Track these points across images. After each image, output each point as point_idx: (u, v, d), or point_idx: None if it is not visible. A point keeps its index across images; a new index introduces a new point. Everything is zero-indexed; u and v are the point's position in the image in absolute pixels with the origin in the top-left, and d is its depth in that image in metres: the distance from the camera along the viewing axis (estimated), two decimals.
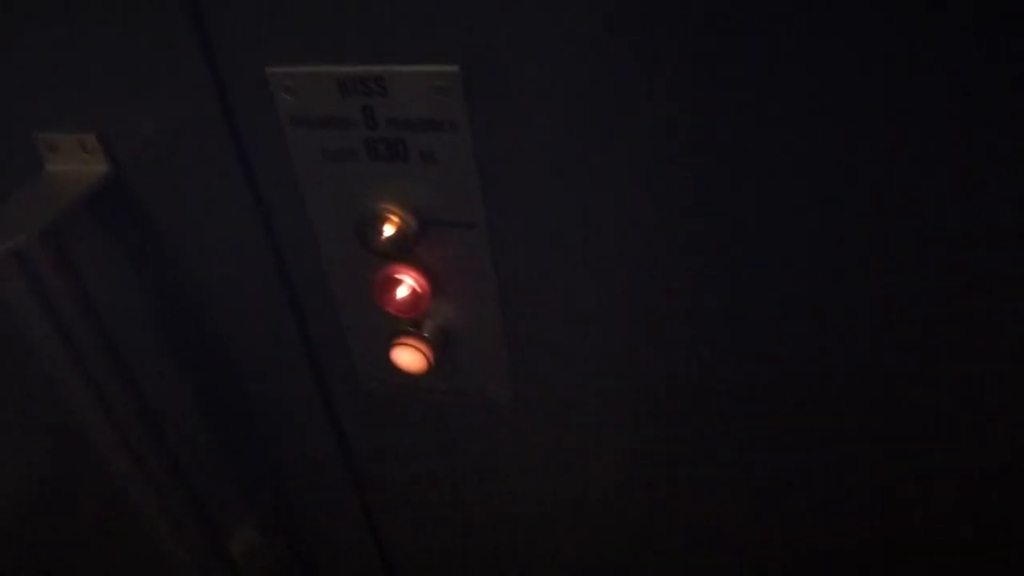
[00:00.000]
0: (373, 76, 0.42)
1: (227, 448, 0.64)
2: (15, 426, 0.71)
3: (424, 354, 0.50)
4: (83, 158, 0.49)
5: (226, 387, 0.59)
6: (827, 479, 0.50)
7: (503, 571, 0.64)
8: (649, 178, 0.41)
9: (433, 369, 0.51)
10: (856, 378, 0.45)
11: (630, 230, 0.44)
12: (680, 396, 0.49)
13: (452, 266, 0.48)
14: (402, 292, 0.49)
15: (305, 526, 0.67)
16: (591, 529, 0.59)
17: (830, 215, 0.40)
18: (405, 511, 0.63)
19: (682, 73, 0.38)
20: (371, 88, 0.43)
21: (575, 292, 0.47)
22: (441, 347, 0.51)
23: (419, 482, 0.60)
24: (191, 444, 0.62)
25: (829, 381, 0.46)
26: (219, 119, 0.46)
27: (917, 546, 0.52)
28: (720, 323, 0.45)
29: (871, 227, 0.40)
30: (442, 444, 0.57)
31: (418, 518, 0.63)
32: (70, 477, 0.72)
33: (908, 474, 0.49)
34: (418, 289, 0.48)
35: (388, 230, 0.46)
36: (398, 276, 0.48)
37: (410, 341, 0.50)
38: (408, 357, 0.50)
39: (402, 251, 0.47)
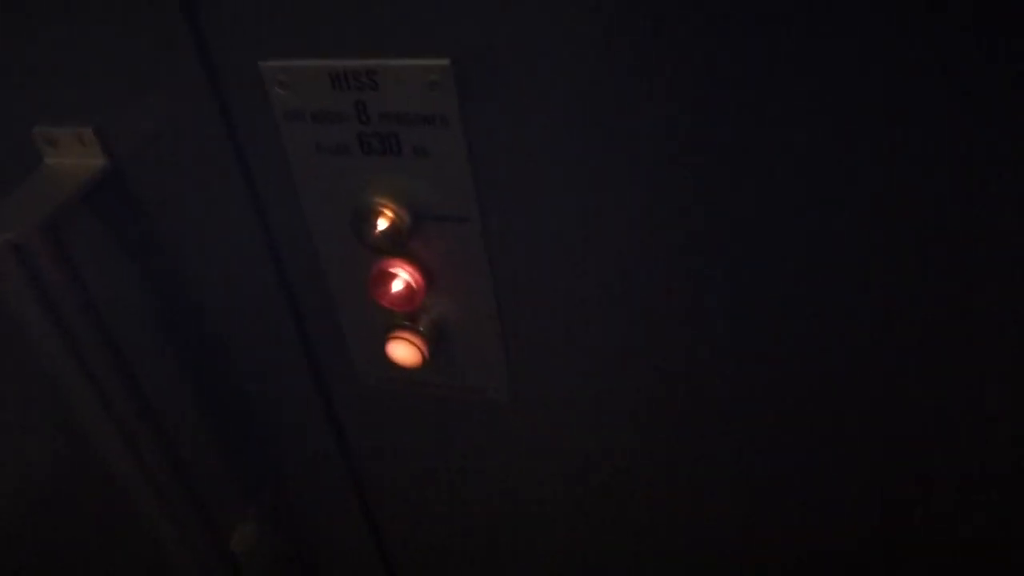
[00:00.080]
0: (365, 70, 0.42)
1: (226, 445, 0.65)
2: (15, 425, 0.72)
3: (419, 348, 0.50)
4: (81, 152, 0.49)
5: (224, 382, 0.60)
6: (827, 479, 0.51)
7: (502, 567, 0.65)
8: (643, 172, 0.41)
9: (428, 363, 0.51)
10: (856, 378, 0.46)
11: (625, 224, 0.44)
12: (678, 393, 0.50)
13: (446, 260, 0.48)
14: (397, 286, 0.49)
15: (305, 523, 0.68)
16: (589, 526, 0.59)
17: (830, 215, 0.40)
18: (404, 507, 0.64)
19: (680, 72, 0.38)
20: (363, 82, 0.43)
21: (570, 287, 0.47)
22: (436, 341, 0.51)
23: (418, 478, 0.61)
24: (190, 440, 0.63)
25: (829, 381, 0.46)
26: (214, 114, 0.46)
27: (917, 546, 0.52)
28: (719, 317, 0.46)
29: (871, 227, 0.40)
30: (440, 440, 0.58)
31: (417, 514, 0.64)
32: (70, 475, 0.73)
33: (908, 474, 0.49)
34: (412, 283, 0.49)
35: (382, 224, 0.46)
36: (392, 270, 0.49)
37: (405, 335, 0.50)
38: (403, 351, 0.51)
39: (396, 245, 0.47)
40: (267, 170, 0.48)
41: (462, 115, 0.42)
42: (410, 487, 0.62)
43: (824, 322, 0.44)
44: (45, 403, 0.67)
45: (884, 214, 0.39)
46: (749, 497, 0.53)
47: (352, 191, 0.47)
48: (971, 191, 0.37)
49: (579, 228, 0.45)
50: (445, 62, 0.41)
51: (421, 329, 0.50)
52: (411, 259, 0.48)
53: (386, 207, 0.46)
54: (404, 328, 0.50)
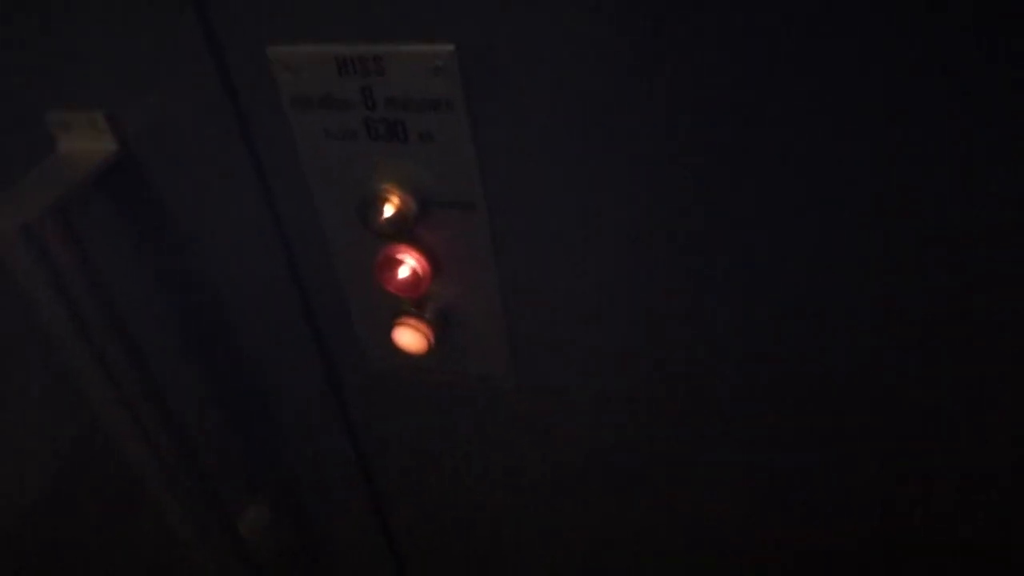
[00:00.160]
0: (371, 55, 0.43)
1: (235, 430, 0.66)
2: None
3: (425, 335, 0.51)
4: (93, 137, 0.50)
5: (232, 367, 0.61)
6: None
7: (506, 552, 0.66)
8: (649, 157, 0.42)
9: (434, 350, 0.52)
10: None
11: (631, 212, 0.44)
12: (682, 380, 0.50)
13: (452, 247, 0.49)
14: (403, 272, 0.50)
15: (312, 507, 0.69)
16: (593, 513, 0.60)
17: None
18: (410, 493, 0.65)
19: (682, 67, 0.38)
20: (369, 68, 0.43)
21: (575, 275, 0.48)
22: (442, 328, 0.52)
23: (424, 464, 0.62)
24: (199, 425, 0.64)
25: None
26: (223, 99, 0.47)
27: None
28: (723, 306, 0.46)
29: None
30: (446, 426, 0.59)
31: (422, 500, 0.65)
32: (80, 458, 0.75)
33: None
34: (418, 270, 0.49)
35: (388, 210, 0.47)
36: (399, 256, 0.49)
37: (411, 322, 0.51)
38: (409, 337, 0.51)
39: (402, 231, 0.48)
40: (275, 156, 0.49)
41: (467, 100, 0.43)
42: (416, 473, 0.63)
43: (824, 322, 0.44)
44: (45, 402, 0.69)
45: (884, 214, 0.39)
46: (751, 489, 0.53)
47: (359, 177, 0.47)
48: (971, 191, 0.38)
49: (585, 215, 0.45)
50: (450, 47, 0.41)
51: (427, 316, 0.51)
52: (417, 245, 0.49)
53: (392, 193, 0.47)
54: (410, 315, 0.51)
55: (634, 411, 0.53)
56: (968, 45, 0.34)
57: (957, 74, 0.35)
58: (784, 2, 0.35)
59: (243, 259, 0.54)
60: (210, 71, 0.46)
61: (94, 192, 0.52)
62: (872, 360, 0.45)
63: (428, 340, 0.52)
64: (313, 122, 0.46)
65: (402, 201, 0.47)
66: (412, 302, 0.51)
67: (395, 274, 0.50)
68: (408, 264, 0.49)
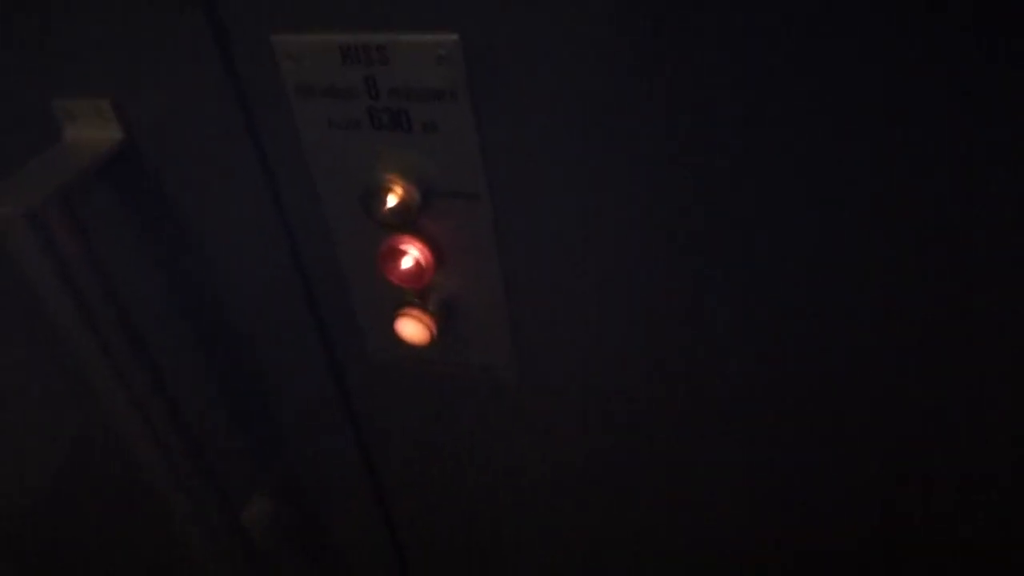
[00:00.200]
0: (375, 44, 0.43)
1: (238, 419, 0.66)
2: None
3: (427, 326, 0.52)
4: (99, 125, 0.51)
5: (236, 356, 0.62)
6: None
7: (507, 542, 0.66)
8: (653, 152, 0.42)
9: (436, 341, 0.52)
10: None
11: (634, 205, 0.44)
12: (682, 375, 0.50)
13: (455, 237, 0.49)
14: (406, 263, 0.50)
15: (315, 497, 0.70)
16: (594, 505, 0.60)
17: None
18: (412, 483, 0.65)
19: (683, 65, 0.38)
20: (373, 57, 0.44)
21: (578, 267, 0.48)
22: (444, 319, 0.52)
23: (426, 455, 0.62)
24: (202, 415, 0.65)
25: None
26: (227, 88, 0.47)
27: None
28: (723, 301, 0.46)
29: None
30: (448, 418, 0.59)
31: (424, 490, 0.65)
32: (81, 453, 0.75)
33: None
34: (421, 260, 0.50)
35: (391, 200, 0.47)
36: (402, 247, 0.50)
37: (414, 312, 0.51)
38: (412, 328, 0.52)
39: (406, 222, 0.48)
40: (279, 146, 0.49)
41: (471, 90, 0.43)
42: (418, 464, 0.63)
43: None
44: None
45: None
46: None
47: (362, 167, 0.48)
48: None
49: (588, 208, 0.45)
50: (454, 37, 0.41)
51: (430, 307, 0.52)
52: (420, 236, 0.49)
53: (396, 183, 0.47)
54: (413, 305, 0.52)
55: (637, 404, 0.53)
56: (968, 45, 0.34)
57: (957, 74, 0.35)
58: (785, 2, 0.35)
59: (246, 249, 0.54)
60: (215, 60, 0.46)
61: (99, 180, 0.53)
62: (872, 360, 0.45)
63: (431, 331, 0.52)
64: (317, 111, 0.47)
65: (405, 191, 0.47)
66: (415, 293, 0.52)
67: (398, 265, 0.50)
68: (411, 255, 0.50)
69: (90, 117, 0.50)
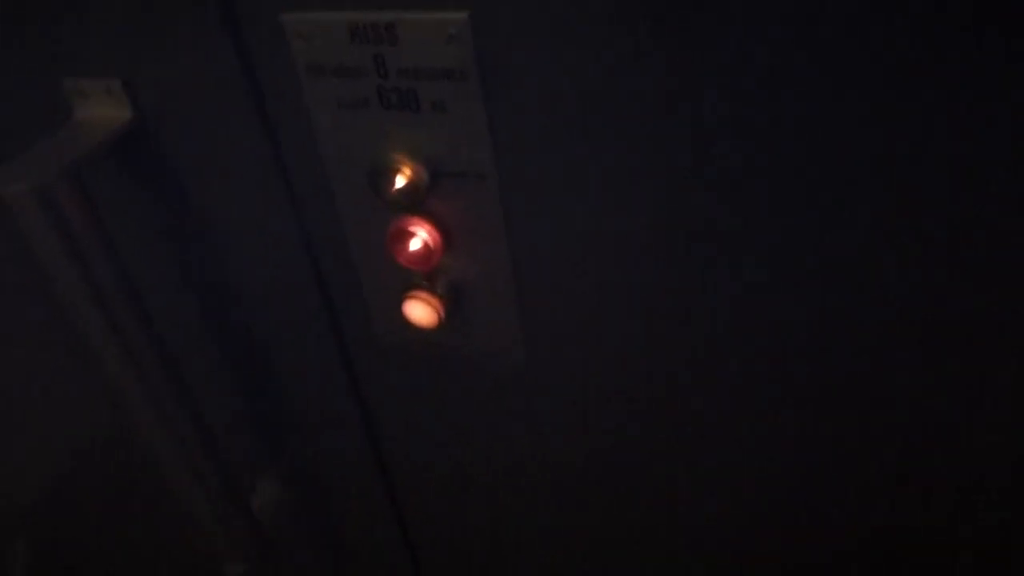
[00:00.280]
0: (384, 23, 0.44)
1: (247, 403, 0.67)
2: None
3: (435, 308, 0.52)
4: (110, 104, 0.52)
5: (244, 339, 0.62)
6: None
7: (513, 526, 0.66)
8: (666, 132, 0.42)
9: (444, 324, 0.53)
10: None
11: (645, 188, 0.45)
12: (696, 357, 0.50)
13: (463, 219, 0.49)
14: (414, 245, 0.50)
15: (324, 482, 0.70)
16: (601, 490, 0.60)
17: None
18: (419, 467, 0.66)
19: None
20: (382, 35, 0.44)
21: (586, 249, 0.48)
22: (452, 302, 0.53)
23: (434, 439, 0.63)
24: (210, 397, 0.65)
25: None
26: (237, 67, 0.48)
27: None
28: (737, 276, 0.46)
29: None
30: (457, 401, 0.59)
31: (432, 474, 0.66)
32: (93, 434, 0.76)
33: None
34: (430, 242, 0.50)
35: (400, 181, 0.48)
36: (411, 228, 0.50)
37: (422, 295, 0.52)
38: (420, 311, 0.52)
39: (414, 202, 0.49)
40: (289, 125, 0.50)
41: (480, 70, 0.43)
42: (425, 447, 0.63)
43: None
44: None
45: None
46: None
47: (371, 147, 0.48)
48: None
49: (597, 190, 0.46)
50: (463, 15, 0.42)
51: (438, 289, 0.52)
52: (429, 217, 0.50)
53: (404, 163, 0.48)
54: (421, 288, 0.52)
55: (646, 389, 0.53)
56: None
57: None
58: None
59: (255, 228, 0.55)
60: (225, 39, 0.47)
61: (109, 159, 0.54)
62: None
63: (438, 314, 0.52)
64: (326, 90, 0.47)
65: (414, 171, 0.48)
66: (423, 275, 0.52)
67: (406, 246, 0.51)
68: (420, 236, 0.50)
69: (101, 96, 0.51)
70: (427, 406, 0.61)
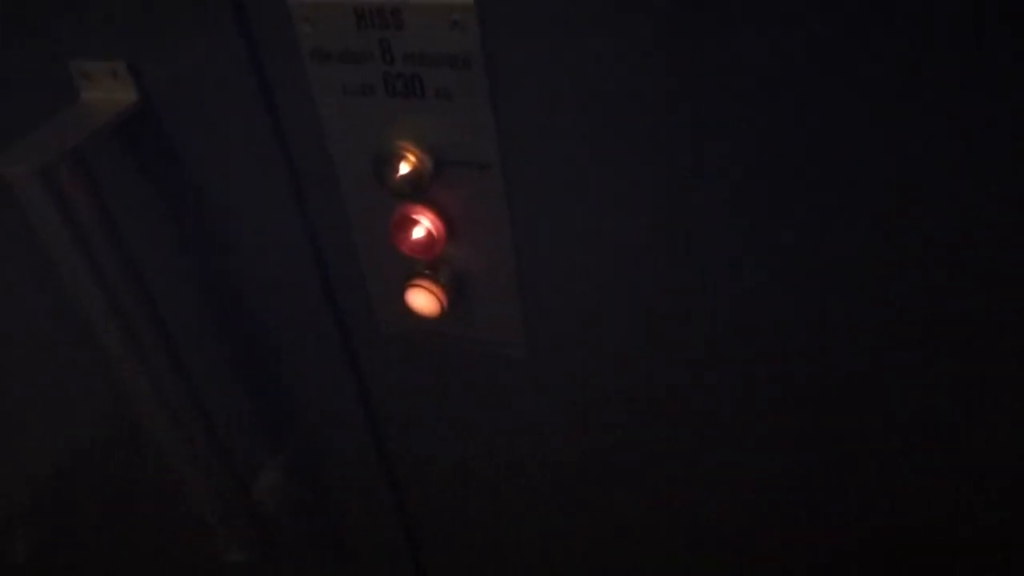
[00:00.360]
0: (390, 8, 0.44)
1: (249, 392, 0.67)
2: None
3: (438, 298, 0.52)
4: (115, 87, 0.52)
5: (247, 327, 0.63)
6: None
7: (515, 515, 0.67)
8: (673, 123, 0.42)
9: (447, 313, 0.53)
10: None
11: (651, 179, 0.45)
12: (699, 349, 0.51)
13: (467, 208, 0.50)
14: (418, 233, 0.51)
15: (326, 470, 0.71)
16: (603, 481, 0.61)
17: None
18: (421, 456, 0.66)
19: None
20: (387, 20, 0.44)
21: (590, 239, 0.48)
22: (455, 292, 0.53)
23: (435, 428, 0.63)
24: (213, 384, 0.65)
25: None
26: (243, 51, 0.48)
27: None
28: (739, 265, 0.47)
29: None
30: (458, 391, 0.60)
31: (433, 463, 0.66)
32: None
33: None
34: (433, 230, 0.50)
35: (404, 168, 0.48)
36: (414, 216, 0.51)
37: (424, 284, 0.52)
38: (422, 300, 0.53)
39: (418, 190, 0.49)
40: (294, 111, 0.50)
41: (485, 57, 0.43)
42: (427, 436, 0.64)
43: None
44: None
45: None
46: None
47: (376, 133, 0.48)
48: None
49: (603, 179, 0.46)
50: (469, 1, 0.42)
51: (440, 279, 0.52)
52: (432, 206, 0.50)
53: (408, 151, 0.48)
54: (424, 277, 0.52)
55: (648, 381, 0.53)
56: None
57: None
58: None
59: (258, 214, 0.55)
60: (231, 23, 0.47)
61: (114, 142, 0.54)
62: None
63: (441, 303, 0.53)
64: (331, 76, 0.47)
65: (418, 159, 0.48)
66: (426, 264, 0.53)
67: (409, 234, 0.51)
68: (423, 225, 0.51)
69: (106, 79, 0.52)
70: (429, 400, 0.61)
